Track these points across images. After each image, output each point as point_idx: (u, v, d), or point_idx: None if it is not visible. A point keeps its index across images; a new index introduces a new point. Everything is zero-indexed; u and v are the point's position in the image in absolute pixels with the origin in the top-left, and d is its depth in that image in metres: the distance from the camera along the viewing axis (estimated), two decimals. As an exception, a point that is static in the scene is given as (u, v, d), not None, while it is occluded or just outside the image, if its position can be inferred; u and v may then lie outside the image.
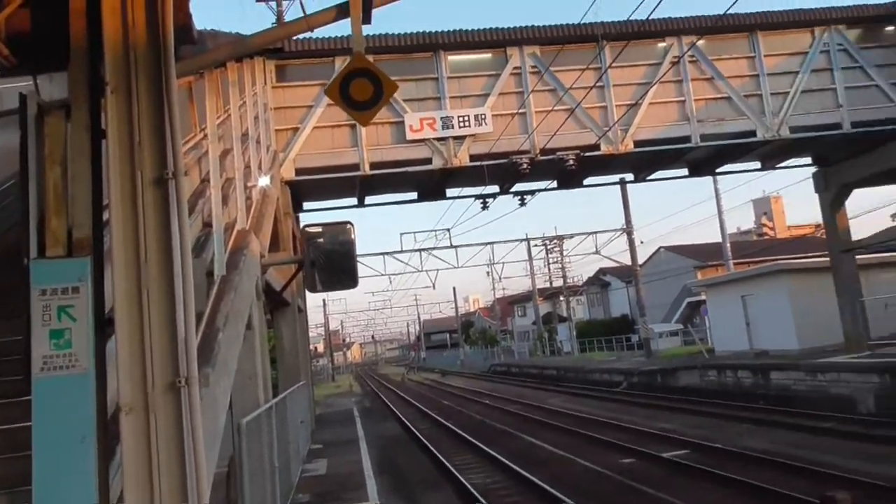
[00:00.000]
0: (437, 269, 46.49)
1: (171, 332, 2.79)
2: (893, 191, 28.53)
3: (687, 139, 16.79)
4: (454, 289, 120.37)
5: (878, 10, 17.53)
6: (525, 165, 16.03)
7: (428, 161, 16.11)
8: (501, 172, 16.89)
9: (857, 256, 20.92)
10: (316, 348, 76.27)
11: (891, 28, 17.82)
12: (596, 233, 40.85)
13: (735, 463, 11.67)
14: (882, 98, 17.38)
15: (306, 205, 19.27)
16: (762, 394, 19.95)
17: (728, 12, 11.07)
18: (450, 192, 19.08)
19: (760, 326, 26.31)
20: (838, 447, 12.58)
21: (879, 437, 12.95)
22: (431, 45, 16.20)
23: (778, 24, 17.30)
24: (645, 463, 12.62)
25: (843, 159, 19.24)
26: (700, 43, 16.74)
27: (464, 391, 36.91)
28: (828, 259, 21.10)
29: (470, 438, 16.78)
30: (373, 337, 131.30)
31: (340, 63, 15.70)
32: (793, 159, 20.27)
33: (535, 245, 51.42)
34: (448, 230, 35.45)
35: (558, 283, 54.78)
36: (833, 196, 20.17)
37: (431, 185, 18.10)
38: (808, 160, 20.39)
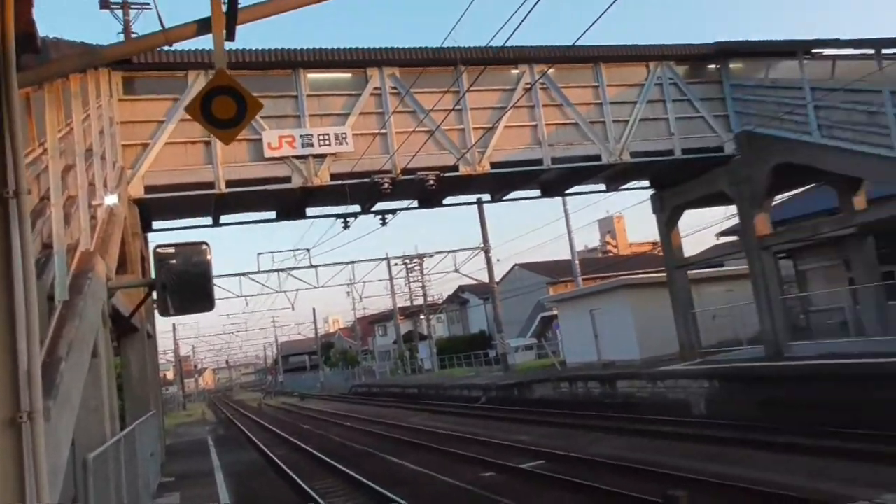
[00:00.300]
0: (297, 290, 45.65)
1: (12, 363, 2.57)
2: (718, 212, 31.52)
3: (539, 161, 17.64)
4: (314, 309, 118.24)
5: (702, 49, 19.34)
6: (387, 185, 16.15)
7: (287, 179, 15.82)
8: (363, 192, 16.91)
9: (689, 272, 22.81)
10: (165, 375, 71.93)
11: (712, 66, 19.72)
12: (455, 251, 41.80)
13: (587, 470, 12.27)
14: (707, 128, 19.17)
15: (157, 224, 18.27)
16: (610, 402, 21.17)
17: (575, 44, 11.80)
18: (310, 211, 18.82)
19: (607, 338, 27.93)
20: (677, 449, 13.56)
21: (711, 438, 14.13)
22: (290, 62, 15.98)
23: (618, 57, 18.65)
24: (504, 475, 12.97)
25: (676, 183, 20.98)
26: (550, 71, 17.70)
27: (324, 414, 36.24)
28: (664, 274, 22.85)
29: (331, 462, 16.49)
30: (227, 362, 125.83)
31: (194, 78, 15.11)
32: (633, 182, 21.83)
33: (396, 264, 51.75)
34: (308, 250, 34.95)
35: (419, 301, 55.32)
36: (668, 216, 21.93)
37: (291, 204, 17.78)
38: (647, 183, 22.04)
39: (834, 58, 17.22)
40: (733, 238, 26.11)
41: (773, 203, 22.48)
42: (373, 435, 22.51)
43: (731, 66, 19.44)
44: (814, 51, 17.65)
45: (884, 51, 15.46)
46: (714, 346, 22.27)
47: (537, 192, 20.75)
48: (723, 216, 29.95)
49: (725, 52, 19.19)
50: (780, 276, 21.16)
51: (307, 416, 36.40)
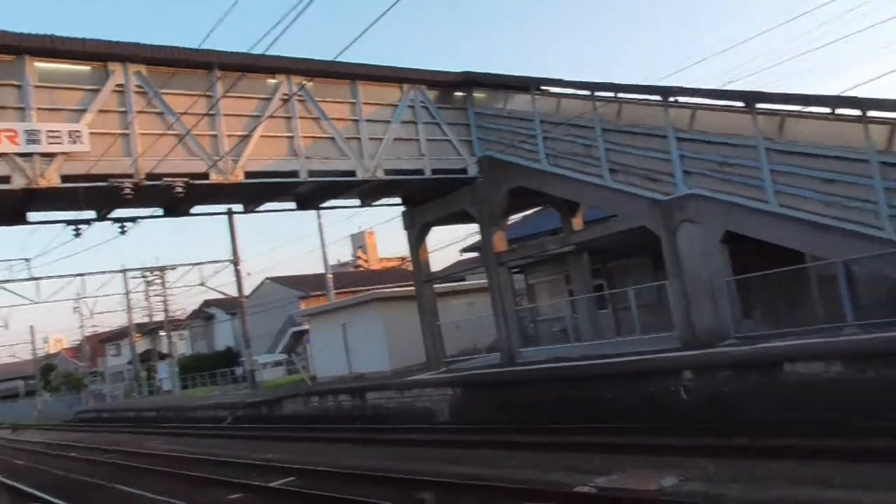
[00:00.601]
0: (13, 306, 40.07)
1: None
2: (462, 230, 33.80)
3: (295, 174, 17.52)
4: (32, 328, 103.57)
5: (450, 77, 20.70)
6: (128, 190, 14.87)
7: (6, 179, 13.85)
8: (100, 196, 15.37)
9: (435, 285, 24.12)
10: None
11: (459, 94, 21.20)
12: (201, 263, 39.74)
13: (339, 482, 12.32)
14: (453, 151, 20.50)
15: None
16: (360, 414, 21.54)
17: (334, 59, 12.00)
18: (34, 216, 16.63)
19: (359, 351, 28.40)
20: (423, 454, 14.19)
21: (455, 442, 15.03)
22: (14, 47, 14.09)
23: (374, 77, 19.24)
24: (252, 495, 12.55)
25: (425, 201, 22.12)
26: (308, 84, 17.72)
27: (44, 445, 32.01)
28: (413, 288, 23.90)
29: (51, 499, 14.65)
30: None
31: None
32: (387, 198, 22.56)
33: (134, 277, 47.63)
34: (28, 260, 30.91)
35: (161, 317, 51.38)
36: (417, 232, 23.02)
37: (10, 207, 15.59)
38: (399, 200, 22.93)
39: (559, 95, 19.47)
40: (475, 254, 28.17)
41: (509, 222, 24.70)
42: (103, 464, 20.40)
43: (476, 94, 21.05)
44: (542, 87, 19.77)
45: (597, 93, 17.87)
46: (457, 355, 23.74)
47: (293, 205, 20.56)
48: (466, 233, 32.20)
49: (470, 81, 20.74)
50: (513, 289, 23.22)
51: (23, 450, 31.84)
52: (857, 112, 13.32)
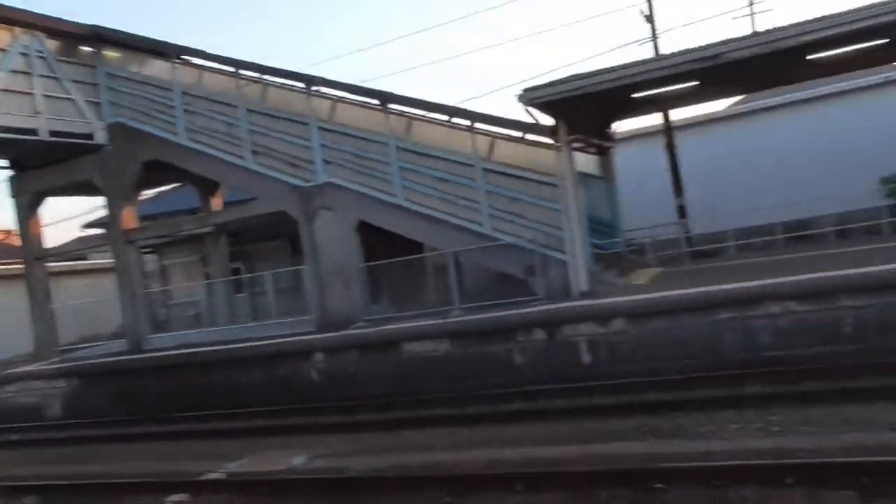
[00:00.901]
0: None
1: None
2: (86, 202, 30.17)
3: None
4: None
5: (77, 28, 18.31)
6: None
7: None
8: None
9: (50, 264, 21.29)
10: None
11: (88, 49, 18.92)
12: None
13: None
14: (78, 113, 18.21)
15: None
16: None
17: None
18: None
19: (-59, 340, 23.74)
20: (27, 456, 12.72)
21: (67, 439, 13.66)
22: None
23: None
24: None
25: (40, 166, 19.30)
26: None
27: None
28: (20, 267, 20.76)
29: None
30: None
31: None
32: (-12, 160, 19.17)
33: None
34: None
35: None
36: (28, 202, 19.98)
37: None
38: (6, 162, 19.66)
39: (202, 68, 18.61)
40: (100, 230, 25.50)
41: (142, 198, 22.91)
42: None
43: (108, 53, 18.99)
44: (183, 56, 18.68)
45: (241, 71, 17.55)
46: (76, 342, 21.40)
47: None
48: (90, 207, 28.91)
49: (101, 37, 18.63)
50: (144, 270, 21.60)
51: None
52: (467, 122, 15.37)
